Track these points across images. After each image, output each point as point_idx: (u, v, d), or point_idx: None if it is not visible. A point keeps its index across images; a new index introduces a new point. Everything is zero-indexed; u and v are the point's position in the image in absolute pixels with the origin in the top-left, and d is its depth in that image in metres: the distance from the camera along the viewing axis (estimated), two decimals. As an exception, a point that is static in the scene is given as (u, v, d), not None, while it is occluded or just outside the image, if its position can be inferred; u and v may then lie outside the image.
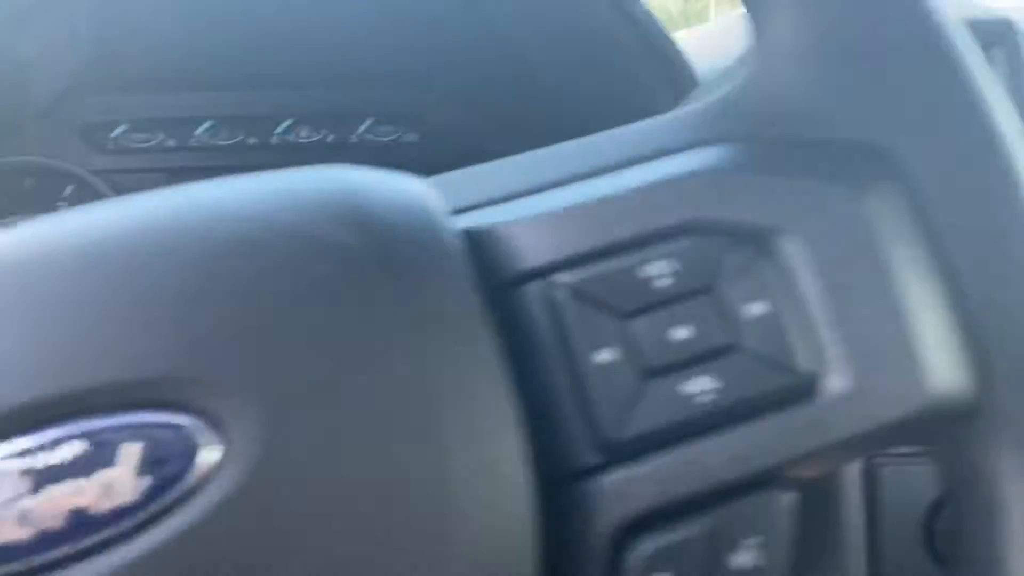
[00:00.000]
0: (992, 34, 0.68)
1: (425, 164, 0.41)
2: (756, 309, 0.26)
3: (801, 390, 0.26)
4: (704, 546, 0.25)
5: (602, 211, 0.27)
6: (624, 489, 0.26)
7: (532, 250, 0.26)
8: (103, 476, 0.22)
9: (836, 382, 0.26)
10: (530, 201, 0.28)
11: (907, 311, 0.26)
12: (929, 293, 0.27)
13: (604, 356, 0.26)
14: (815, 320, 0.26)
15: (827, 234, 0.26)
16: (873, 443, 0.27)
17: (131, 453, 0.22)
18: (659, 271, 0.26)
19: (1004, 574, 0.27)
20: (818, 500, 0.52)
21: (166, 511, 0.22)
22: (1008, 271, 0.27)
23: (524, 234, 0.27)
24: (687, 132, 0.29)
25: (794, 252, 0.26)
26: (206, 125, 0.86)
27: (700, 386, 0.26)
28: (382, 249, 0.24)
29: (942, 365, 0.26)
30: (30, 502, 0.21)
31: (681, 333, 0.26)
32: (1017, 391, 0.26)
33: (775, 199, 0.26)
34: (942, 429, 0.27)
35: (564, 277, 0.26)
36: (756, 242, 0.26)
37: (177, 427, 0.22)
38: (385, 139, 0.90)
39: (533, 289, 0.26)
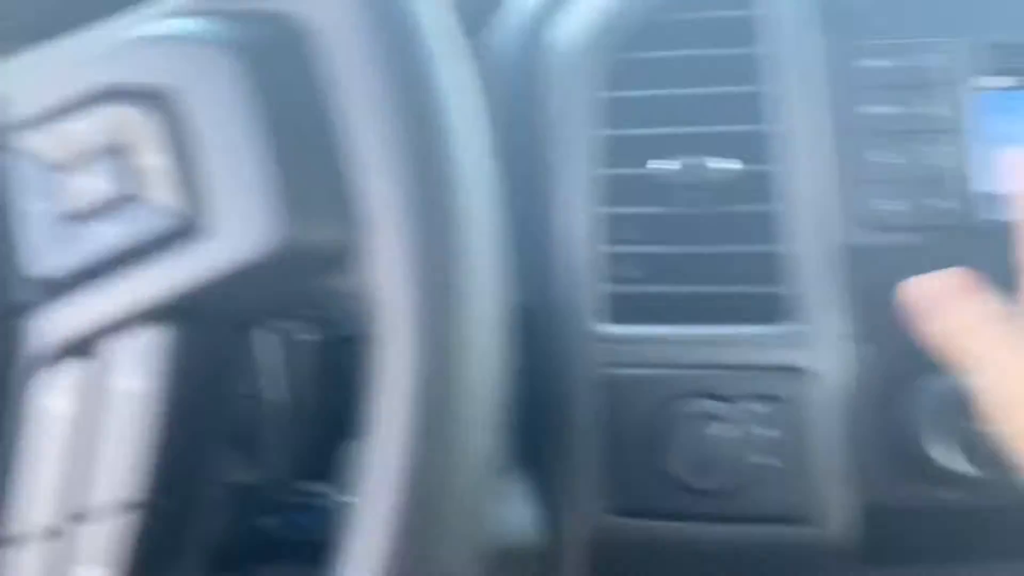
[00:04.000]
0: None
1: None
2: (156, 162, 0.30)
3: (185, 234, 0.29)
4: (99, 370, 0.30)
5: (48, 78, 0.31)
6: (53, 320, 0.31)
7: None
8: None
9: (209, 227, 0.29)
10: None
11: (274, 162, 0.29)
12: (305, 148, 0.29)
13: (32, 205, 0.31)
14: (202, 172, 0.29)
15: (212, 93, 0.29)
16: (262, 288, 0.30)
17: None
18: (85, 130, 0.30)
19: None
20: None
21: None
22: (386, 131, 0.29)
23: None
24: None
25: (187, 111, 0.29)
26: None
27: (109, 231, 0.30)
28: None
29: (306, 212, 0.29)
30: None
31: (96, 185, 0.30)
32: (379, 236, 0.29)
33: (172, 63, 0.30)
34: (319, 275, 0.29)
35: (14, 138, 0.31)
36: (160, 103, 0.30)
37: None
38: None
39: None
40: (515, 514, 0.59)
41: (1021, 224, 0.51)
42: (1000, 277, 0.52)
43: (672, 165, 0.54)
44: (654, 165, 0.55)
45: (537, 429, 0.57)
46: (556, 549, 0.57)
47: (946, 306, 0.49)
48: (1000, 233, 0.55)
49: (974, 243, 0.54)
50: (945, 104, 0.55)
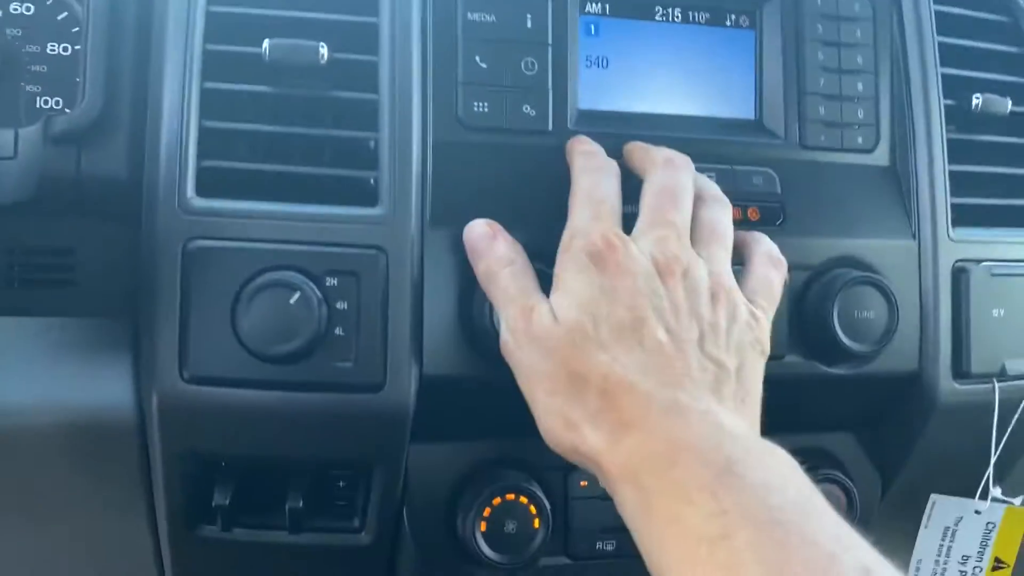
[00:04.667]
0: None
1: None
2: None
3: None
4: None
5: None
6: None
7: None
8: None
9: None
10: None
11: None
12: None
13: None
14: None
15: None
16: None
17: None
18: None
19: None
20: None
21: None
22: None
23: None
24: None
25: None
26: None
27: None
28: None
29: None
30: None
31: None
32: None
33: None
34: None
35: None
36: None
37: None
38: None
39: None
40: (105, 388, 0.59)
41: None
42: (564, 181, 0.58)
43: (277, 45, 0.55)
44: (263, 45, 0.55)
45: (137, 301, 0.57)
46: (141, 419, 0.57)
47: (480, 250, 0.54)
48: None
49: (555, 151, 0.59)
50: (544, 20, 0.60)
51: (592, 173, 0.54)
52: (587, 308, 0.49)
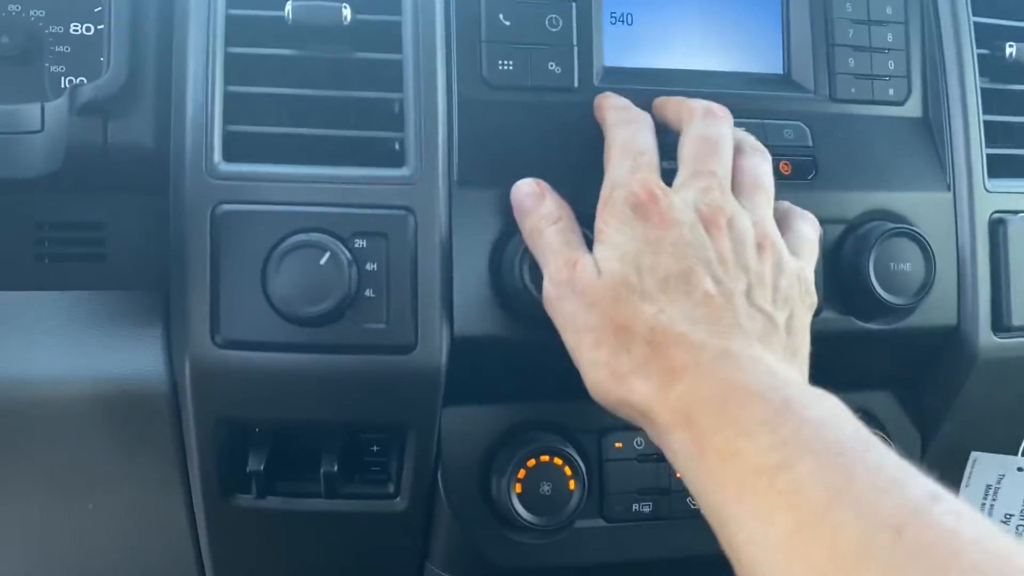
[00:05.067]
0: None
1: None
2: None
3: None
4: None
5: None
6: None
7: None
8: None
9: None
10: None
11: None
12: None
13: None
14: None
15: None
16: None
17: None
18: None
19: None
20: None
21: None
22: None
23: None
24: None
25: None
26: None
27: None
28: None
29: None
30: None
31: None
32: None
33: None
34: None
35: None
36: None
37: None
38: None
39: None
40: (138, 357, 0.59)
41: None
42: (600, 141, 0.57)
43: (299, 7, 0.55)
44: (286, 8, 0.55)
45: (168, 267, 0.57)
46: (174, 387, 0.57)
47: (527, 208, 0.54)
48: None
49: (581, 108, 0.59)
50: (567, -22, 0.60)
51: (627, 125, 0.54)
52: (631, 260, 0.48)
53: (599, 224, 0.51)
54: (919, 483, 0.39)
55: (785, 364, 0.47)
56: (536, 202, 0.54)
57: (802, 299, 0.51)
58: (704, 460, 0.44)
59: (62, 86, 0.64)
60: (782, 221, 0.55)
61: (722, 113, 0.54)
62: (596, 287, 0.49)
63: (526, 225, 0.54)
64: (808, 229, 0.55)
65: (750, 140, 0.55)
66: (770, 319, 0.49)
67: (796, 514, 0.39)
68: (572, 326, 0.50)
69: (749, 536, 0.41)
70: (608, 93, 0.57)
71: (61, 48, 0.64)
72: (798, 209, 0.57)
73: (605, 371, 0.48)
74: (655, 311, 0.47)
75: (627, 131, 0.53)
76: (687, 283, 0.48)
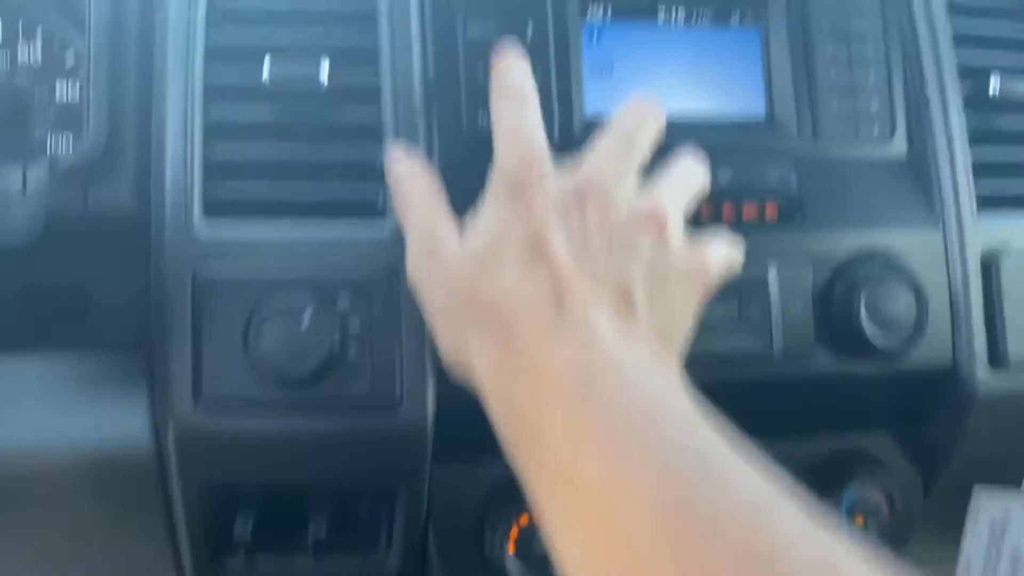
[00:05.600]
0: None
1: None
2: None
3: None
4: None
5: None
6: None
7: None
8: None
9: None
10: None
11: None
12: None
13: None
14: None
15: None
16: None
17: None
18: None
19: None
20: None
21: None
22: None
23: None
24: None
25: None
26: None
27: None
28: None
29: None
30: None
31: None
32: None
33: None
34: None
35: None
36: None
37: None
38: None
39: None
40: (122, 422, 0.58)
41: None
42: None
43: (277, 71, 0.55)
44: (263, 72, 0.55)
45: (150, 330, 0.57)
46: (159, 451, 0.57)
47: (395, 176, 0.54)
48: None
49: (562, 161, 0.58)
50: (545, 28, 0.60)
51: (516, 107, 0.52)
52: (495, 230, 0.47)
53: (480, 206, 0.50)
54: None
55: (636, 340, 0.45)
56: (404, 167, 0.53)
57: (685, 278, 0.49)
58: (514, 446, 0.44)
59: (48, 147, 0.64)
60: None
61: (650, 106, 0.53)
62: (459, 257, 0.48)
63: (401, 190, 0.53)
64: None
65: (690, 147, 0.54)
66: (630, 293, 0.46)
67: (582, 518, 0.39)
68: (430, 300, 0.49)
69: (552, 536, 0.42)
70: (501, 57, 0.54)
71: (48, 110, 0.65)
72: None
73: (453, 340, 0.48)
74: (509, 281, 0.46)
75: (514, 115, 0.51)
76: (542, 248, 0.46)
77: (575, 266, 0.46)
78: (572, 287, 0.45)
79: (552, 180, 0.49)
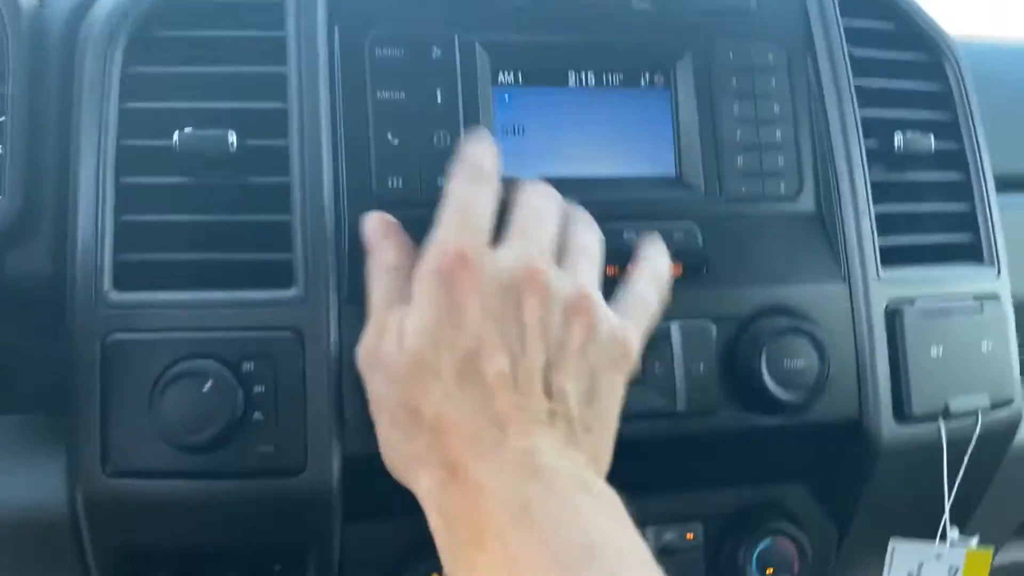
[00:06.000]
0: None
1: None
2: None
3: None
4: None
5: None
6: None
7: None
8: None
9: None
10: None
11: None
12: None
13: None
14: None
15: None
16: None
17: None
18: None
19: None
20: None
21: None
22: None
23: None
24: None
25: None
26: None
27: None
28: None
29: None
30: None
31: None
32: None
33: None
34: None
35: None
36: None
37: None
38: None
39: None
40: (40, 484, 0.59)
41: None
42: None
43: (187, 136, 0.56)
44: (173, 137, 0.56)
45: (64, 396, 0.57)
46: (74, 515, 0.57)
47: (370, 247, 0.54)
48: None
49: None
50: (455, 94, 0.61)
51: (466, 184, 0.52)
52: (431, 334, 0.47)
53: (413, 286, 0.50)
54: None
55: (569, 446, 0.46)
56: (379, 242, 0.54)
57: (614, 363, 0.50)
58: (454, 570, 0.44)
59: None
60: (627, 278, 0.55)
61: (547, 187, 0.54)
62: (396, 363, 0.48)
63: (367, 264, 0.54)
64: (649, 289, 0.55)
65: (579, 211, 0.56)
66: (563, 396, 0.47)
67: None
68: (374, 399, 0.50)
69: None
70: (473, 138, 0.55)
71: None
72: (650, 265, 0.56)
73: (395, 452, 0.49)
74: (443, 395, 0.46)
75: (464, 190, 0.52)
76: (477, 364, 0.46)
77: (512, 376, 0.46)
78: (511, 414, 0.46)
79: (486, 266, 0.48)
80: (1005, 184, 0.73)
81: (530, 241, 0.51)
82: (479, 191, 0.52)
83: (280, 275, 0.56)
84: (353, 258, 0.57)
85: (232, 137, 0.56)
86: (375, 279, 0.52)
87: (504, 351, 0.47)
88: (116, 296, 0.55)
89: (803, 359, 0.59)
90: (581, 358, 0.48)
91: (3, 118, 0.58)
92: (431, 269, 0.49)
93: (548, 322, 0.48)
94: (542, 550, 0.41)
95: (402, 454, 0.48)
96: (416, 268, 0.50)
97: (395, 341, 0.48)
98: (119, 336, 0.54)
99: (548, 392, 0.47)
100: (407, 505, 0.59)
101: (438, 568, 0.57)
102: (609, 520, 0.44)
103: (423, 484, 0.47)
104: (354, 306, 0.56)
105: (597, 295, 0.51)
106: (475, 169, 0.53)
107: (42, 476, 0.59)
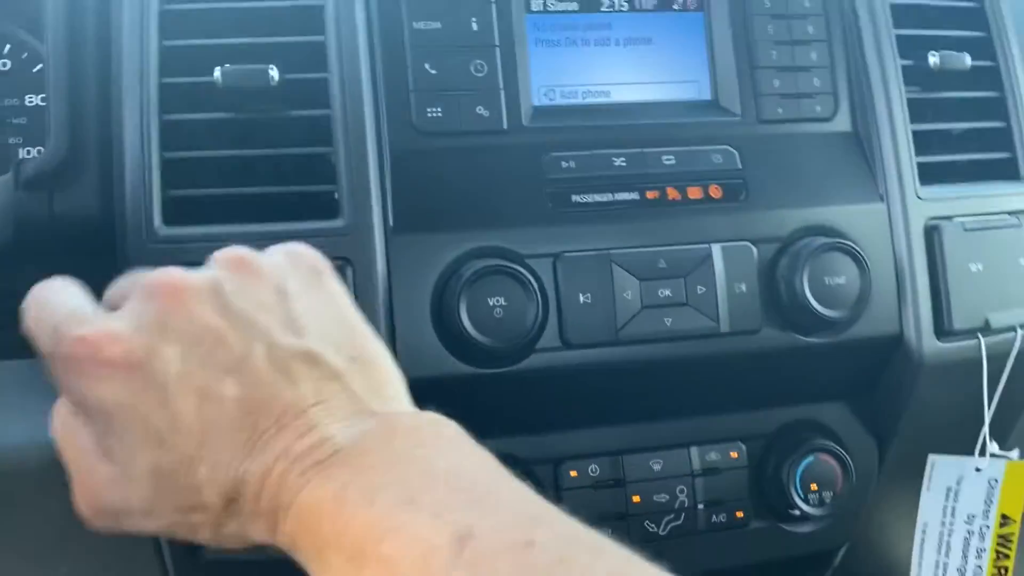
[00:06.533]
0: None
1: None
2: None
3: None
4: None
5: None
6: None
7: None
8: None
9: None
10: None
11: None
12: None
13: None
14: None
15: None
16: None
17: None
18: None
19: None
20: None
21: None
22: None
23: None
24: None
25: None
26: None
27: None
28: None
29: None
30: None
31: None
32: None
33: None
34: None
35: None
36: None
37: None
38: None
39: None
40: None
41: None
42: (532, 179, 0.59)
43: (228, 72, 0.57)
44: (215, 73, 0.57)
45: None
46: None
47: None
48: (539, 135, 0.62)
49: (512, 150, 0.60)
50: (490, 22, 0.61)
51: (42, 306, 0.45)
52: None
53: None
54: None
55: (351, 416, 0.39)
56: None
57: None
58: None
59: (20, 156, 0.66)
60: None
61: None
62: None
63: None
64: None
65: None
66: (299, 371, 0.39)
67: None
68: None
69: None
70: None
71: (18, 120, 0.67)
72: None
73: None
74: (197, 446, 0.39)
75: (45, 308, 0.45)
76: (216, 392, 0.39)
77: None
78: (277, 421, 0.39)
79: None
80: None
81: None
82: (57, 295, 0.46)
83: (325, 206, 0.57)
84: (398, 188, 0.58)
85: (273, 71, 0.57)
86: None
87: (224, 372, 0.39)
88: (166, 231, 0.56)
89: (844, 276, 0.60)
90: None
91: (45, 59, 0.59)
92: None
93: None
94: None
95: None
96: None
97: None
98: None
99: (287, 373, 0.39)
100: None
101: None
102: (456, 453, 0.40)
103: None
104: (401, 236, 0.57)
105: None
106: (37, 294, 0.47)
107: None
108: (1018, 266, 0.65)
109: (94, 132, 0.60)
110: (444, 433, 0.41)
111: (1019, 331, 0.65)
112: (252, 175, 0.57)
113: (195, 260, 0.55)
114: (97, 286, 0.62)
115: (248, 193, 0.57)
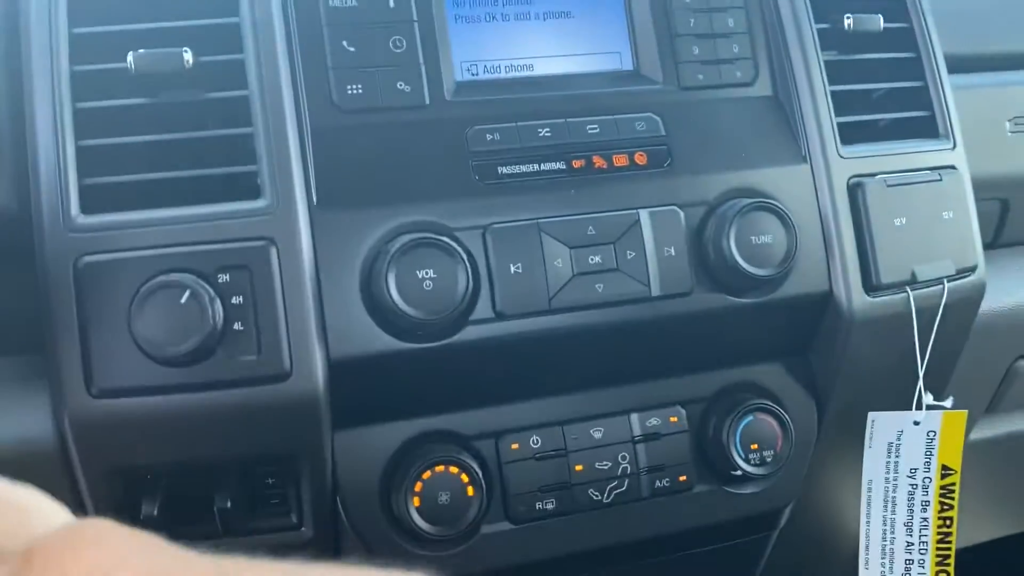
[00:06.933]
0: None
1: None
2: None
3: None
4: None
5: None
6: None
7: None
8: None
9: None
10: None
11: None
12: None
13: None
14: None
15: None
16: None
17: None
18: None
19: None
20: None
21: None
22: None
23: None
24: None
25: None
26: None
27: None
28: None
29: None
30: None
31: None
32: None
33: None
34: None
35: None
36: None
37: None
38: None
39: None
40: (24, 421, 0.59)
41: None
42: (455, 151, 0.59)
43: (141, 56, 0.56)
44: (127, 59, 0.56)
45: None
46: (62, 443, 0.57)
47: None
48: (462, 109, 0.62)
49: (435, 124, 0.60)
50: (407, -1, 0.61)
51: None
52: None
53: None
54: None
55: None
56: None
57: None
58: None
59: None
60: None
61: None
62: None
63: None
64: None
65: None
66: None
67: None
68: None
69: None
70: None
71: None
72: None
73: None
74: None
75: None
76: None
77: None
78: None
79: None
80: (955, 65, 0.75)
81: None
82: None
83: (248, 187, 0.56)
84: (320, 165, 0.57)
85: (187, 54, 0.56)
86: None
87: None
88: (84, 220, 0.54)
89: (770, 235, 0.60)
90: None
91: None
92: None
93: None
94: None
95: None
96: None
97: None
98: (91, 258, 0.54)
99: None
100: (396, 408, 0.60)
101: (430, 466, 0.59)
102: None
103: None
104: (326, 212, 0.56)
105: None
106: None
107: (25, 412, 0.58)
108: (941, 220, 0.66)
109: (7, 124, 0.59)
110: None
111: (946, 283, 0.66)
112: (172, 159, 0.56)
113: (116, 247, 0.55)
114: (16, 286, 0.61)
115: (168, 177, 0.56)
